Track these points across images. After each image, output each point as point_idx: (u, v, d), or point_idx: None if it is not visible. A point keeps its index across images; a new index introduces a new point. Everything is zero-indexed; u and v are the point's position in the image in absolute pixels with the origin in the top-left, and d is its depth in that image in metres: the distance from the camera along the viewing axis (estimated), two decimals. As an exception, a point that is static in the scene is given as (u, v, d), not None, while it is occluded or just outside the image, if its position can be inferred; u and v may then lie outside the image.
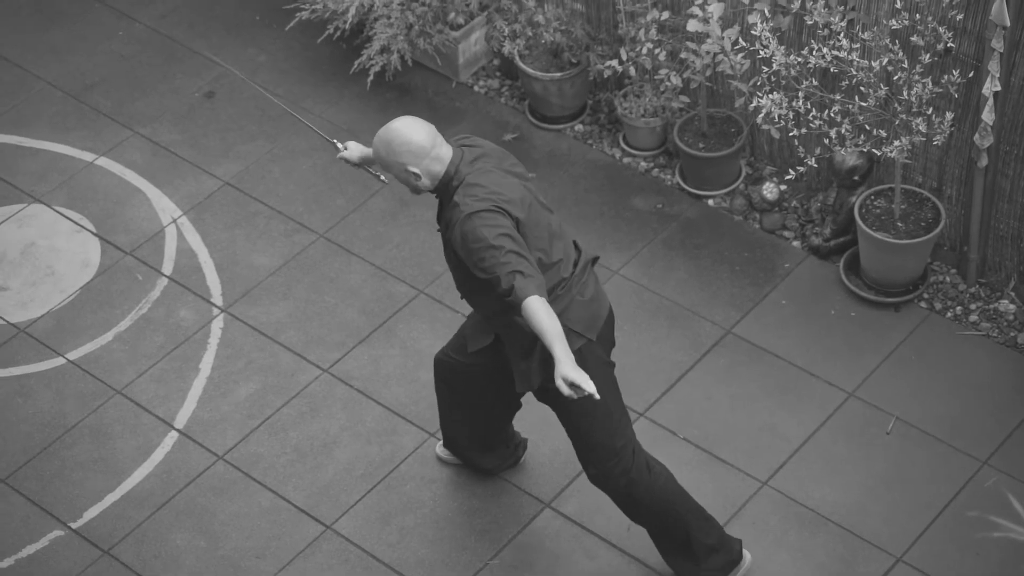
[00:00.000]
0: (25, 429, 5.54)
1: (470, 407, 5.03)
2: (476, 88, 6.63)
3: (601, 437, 4.71)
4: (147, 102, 6.60)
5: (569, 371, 4.22)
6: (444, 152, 4.44)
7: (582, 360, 4.58)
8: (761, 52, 5.45)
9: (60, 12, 6.95)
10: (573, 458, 5.40)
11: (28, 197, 6.27)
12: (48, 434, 5.52)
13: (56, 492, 5.36)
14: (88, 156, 6.42)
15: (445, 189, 4.46)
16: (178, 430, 5.53)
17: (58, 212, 6.22)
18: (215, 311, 5.89)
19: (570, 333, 4.55)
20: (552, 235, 4.52)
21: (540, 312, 4.28)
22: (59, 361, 5.74)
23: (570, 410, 4.69)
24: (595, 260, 4.69)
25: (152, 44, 6.82)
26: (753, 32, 5.51)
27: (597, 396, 4.25)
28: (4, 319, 5.86)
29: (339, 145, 4.88)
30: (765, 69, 5.59)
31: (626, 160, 6.34)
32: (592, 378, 4.59)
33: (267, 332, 5.81)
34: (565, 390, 4.23)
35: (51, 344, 5.79)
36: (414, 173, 4.44)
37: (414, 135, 4.40)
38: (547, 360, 4.59)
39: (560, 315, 4.51)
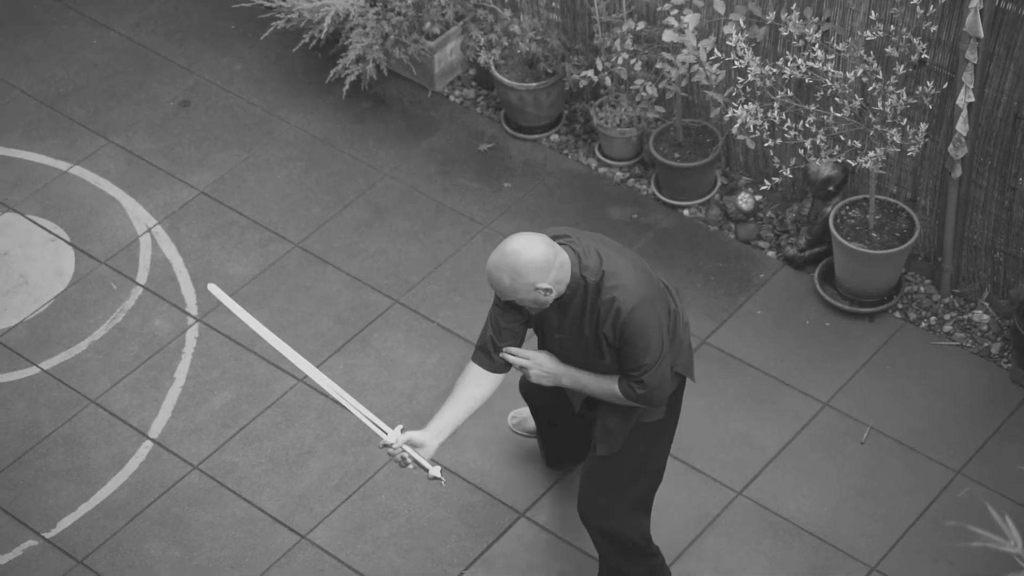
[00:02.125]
0: (-2, 439, 5.52)
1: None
2: (452, 98, 6.63)
3: (640, 494, 4.69)
4: (122, 111, 6.58)
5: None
6: (564, 259, 4.29)
7: (676, 403, 4.62)
8: (736, 63, 5.47)
9: (35, 21, 6.92)
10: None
11: (1, 206, 6.24)
12: (22, 443, 5.49)
13: (30, 501, 5.33)
14: (62, 165, 6.40)
15: (572, 292, 4.33)
16: (153, 440, 5.51)
17: (32, 221, 6.19)
18: (190, 320, 5.87)
19: (675, 376, 4.54)
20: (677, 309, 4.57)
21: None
22: (33, 370, 5.72)
23: (624, 460, 4.62)
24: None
25: (127, 53, 6.80)
26: (728, 43, 5.53)
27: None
28: (-23, 328, 5.84)
29: (386, 433, 4.44)
30: (740, 80, 5.61)
31: (602, 170, 6.35)
32: (666, 425, 4.63)
33: (242, 342, 5.80)
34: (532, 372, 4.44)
35: (25, 353, 5.76)
36: (544, 289, 4.27)
37: (535, 251, 4.22)
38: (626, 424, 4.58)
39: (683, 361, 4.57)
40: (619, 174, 6.33)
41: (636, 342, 4.34)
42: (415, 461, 4.42)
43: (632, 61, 5.95)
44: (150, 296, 5.94)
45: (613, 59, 5.98)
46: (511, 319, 4.47)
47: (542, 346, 4.60)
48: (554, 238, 4.39)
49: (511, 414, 5.39)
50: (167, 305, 5.91)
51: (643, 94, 5.98)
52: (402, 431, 4.43)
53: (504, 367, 4.52)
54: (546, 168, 6.36)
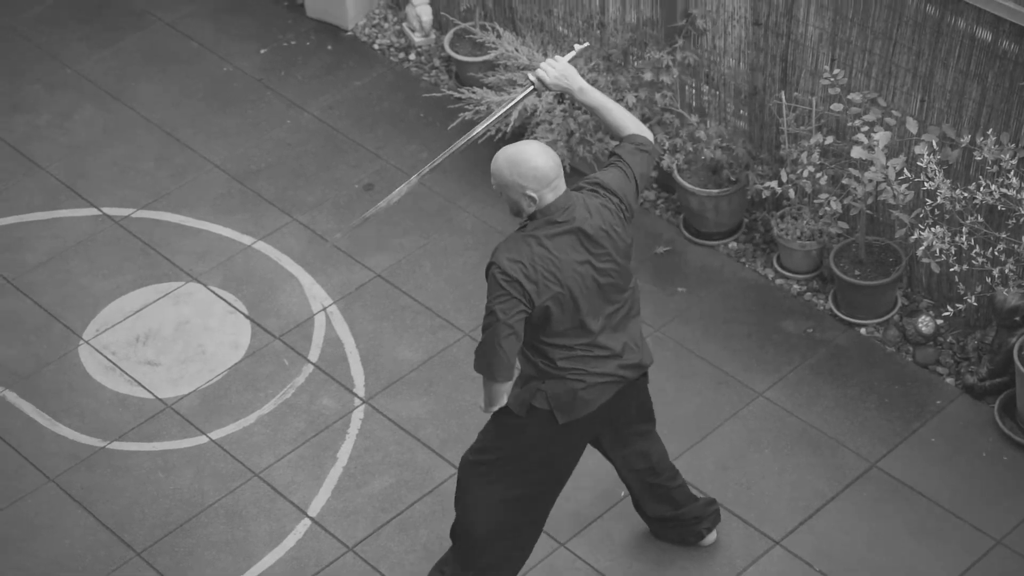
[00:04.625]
0: (164, 504, 5.61)
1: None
2: (632, 198, 6.63)
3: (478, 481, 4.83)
4: (309, 190, 6.72)
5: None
6: (561, 185, 4.50)
7: (535, 421, 4.68)
8: (926, 184, 5.37)
9: (233, 98, 7.13)
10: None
11: (186, 275, 6.40)
12: (185, 511, 5.58)
13: (188, 570, 5.41)
14: (247, 239, 6.55)
15: (534, 217, 4.52)
16: (311, 518, 5.55)
17: (213, 292, 6.34)
18: (357, 401, 5.92)
19: (542, 399, 4.65)
20: (590, 313, 4.58)
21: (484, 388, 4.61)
22: (202, 439, 5.82)
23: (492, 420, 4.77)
24: (640, 368, 4.76)
25: (318, 134, 6.96)
26: (919, 163, 5.43)
27: None
28: (154, 394, 5.97)
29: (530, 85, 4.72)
30: (929, 201, 5.50)
31: (779, 281, 6.27)
32: (533, 442, 4.73)
33: (406, 427, 5.83)
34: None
35: (196, 422, 5.87)
36: (531, 198, 4.47)
37: (542, 160, 4.44)
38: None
39: (547, 380, 4.64)
40: (796, 287, 6.24)
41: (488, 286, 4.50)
42: (570, 59, 4.71)
43: (818, 175, 5.88)
44: (320, 375, 6.01)
45: (798, 171, 5.92)
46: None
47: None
48: (578, 187, 4.58)
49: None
50: (336, 385, 5.97)
51: (827, 208, 5.90)
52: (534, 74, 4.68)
53: None
54: (722, 275, 6.30)
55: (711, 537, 5.32)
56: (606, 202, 4.60)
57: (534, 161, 4.44)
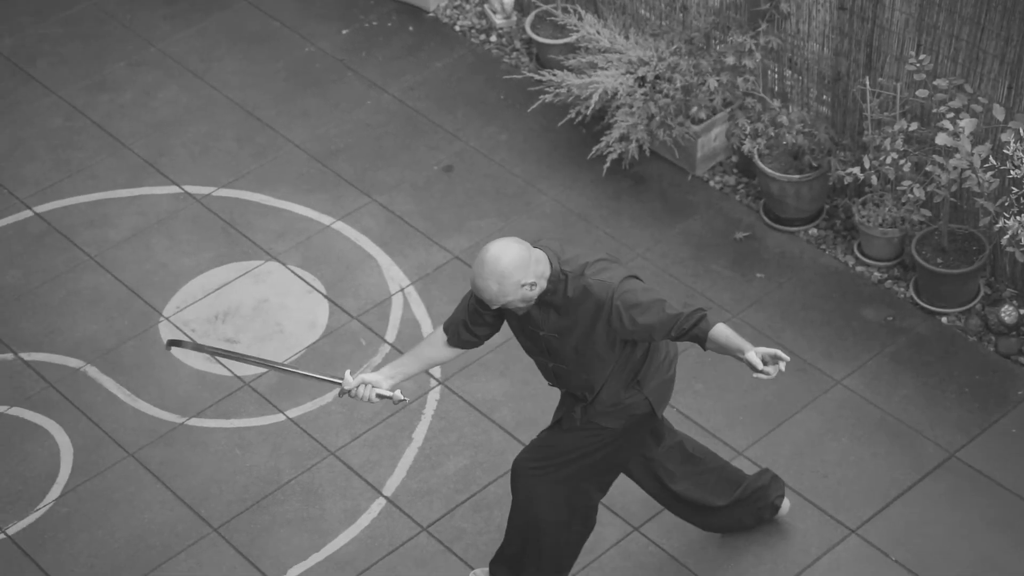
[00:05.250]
0: (241, 481, 5.66)
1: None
2: (711, 183, 6.59)
3: (567, 483, 4.84)
4: (387, 171, 6.75)
5: (764, 350, 4.45)
6: (539, 254, 4.58)
7: (635, 430, 4.76)
8: (1012, 172, 5.29)
9: (315, 79, 7.17)
10: (779, 568, 5.26)
11: (265, 254, 6.45)
12: (262, 488, 5.63)
13: (263, 546, 5.46)
14: (326, 219, 6.58)
15: (555, 285, 4.55)
16: (386, 497, 5.58)
17: (292, 271, 6.38)
18: (432, 382, 5.94)
19: (644, 404, 4.73)
20: None
21: (729, 331, 4.52)
22: (279, 417, 5.87)
23: (566, 441, 4.82)
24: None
25: (398, 115, 6.98)
26: (1005, 151, 5.35)
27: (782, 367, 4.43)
28: (232, 372, 6.02)
29: (340, 380, 4.76)
30: (1015, 189, 5.41)
31: (859, 269, 6.20)
32: (626, 442, 4.80)
33: (481, 408, 5.84)
34: (759, 364, 4.41)
35: (273, 400, 5.92)
36: (530, 283, 4.52)
37: (511, 252, 4.48)
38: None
39: (644, 384, 4.72)
40: (877, 274, 6.17)
41: (642, 305, 4.52)
42: (379, 395, 4.74)
43: (901, 161, 5.81)
44: (396, 355, 6.04)
45: (881, 158, 5.85)
46: (485, 308, 4.69)
47: (527, 347, 4.76)
48: (532, 243, 4.63)
49: (472, 572, 5.27)
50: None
51: (910, 196, 5.82)
52: (351, 374, 4.79)
53: (466, 345, 4.80)
54: (802, 262, 6.25)
55: (786, 504, 5.28)
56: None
57: (507, 258, 4.46)
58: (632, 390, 4.74)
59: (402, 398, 4.76)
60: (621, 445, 4.84)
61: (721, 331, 4.52)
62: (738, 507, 5.19)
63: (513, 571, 5.09)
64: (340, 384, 4.79)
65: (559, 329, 4.63)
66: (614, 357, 4.65)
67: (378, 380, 4.77)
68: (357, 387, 4.75)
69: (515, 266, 4.49)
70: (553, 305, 4.60)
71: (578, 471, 4.87)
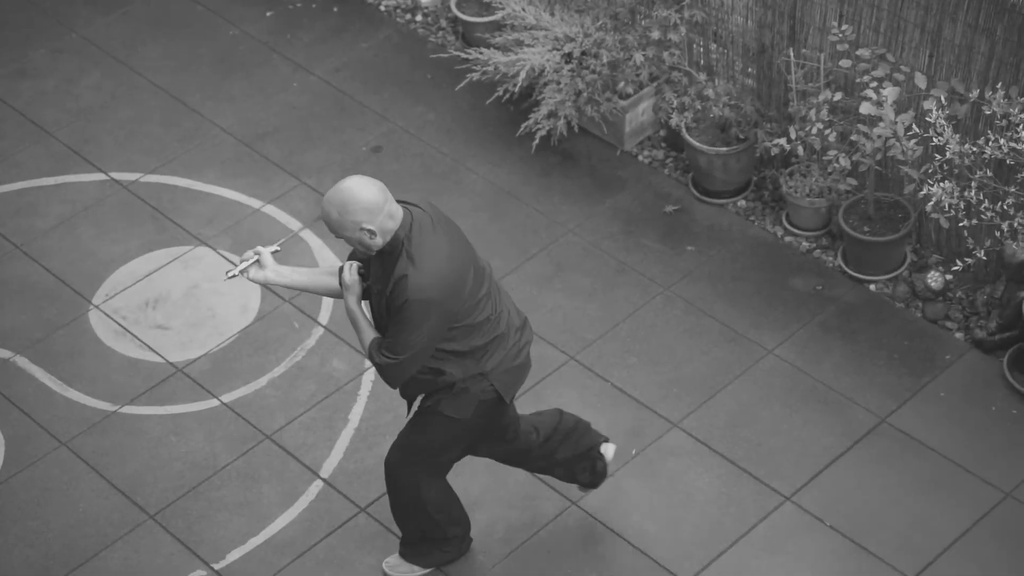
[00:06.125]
0: (177, 468, 5.63)
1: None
2: (640, 158, 6.62)
3: (424, 464, 4.92)
4: (316, 153, 6.72)
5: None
6: (396, 209, 4.52)
7: (485, 416, 4.79)
8: (935, 139, 5.36)
9: (240, 62, 7.12)
10: (716, 537, 5.31)
11: (195, 240, 6.41)
12: (198, 474, 5.60)
13: (202, 532, 5.43)
14: (255, 203, 6.55)
15: (392, 250, 4.53)
16: (323, 479, 5.58)
17: (223, 256, 6.35)
18: (367, 364, 5.93)
19: (489, 390, 4.74)
20: (483, 298, 4.67)
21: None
22: (213, 403, 5.84)
23: (421, 435, 4.86)
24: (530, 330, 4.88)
25: (325, 97, 6.95)
26: (928, 119, 5.42)
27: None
28: (164, 358, 5.98)
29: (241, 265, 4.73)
30: (938, 157, 5.49)
31: (788, 239, 6.26)
32: (481, 430, 4.84)
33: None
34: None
35: (207, 385, 5.89)
36: (369, 231, 4.47)
37: (367, 192, 4.45)
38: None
39: (489, 372, 4.72)
40: (805, 244, 6.23)
41: (403, 325, 4.52)
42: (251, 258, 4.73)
43: (827, 131, 5.86)
44: (331, 337, 6.02)
45: (807, 128, 5.91)
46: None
47: (370, 298, 4.73)
48: (405, 202, 4.58)
49: (385, 561, 5.31)
50: (346, 347, 5.98)
51: (836, 165, 5.88)
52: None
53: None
54: (731, 234, 6.30)
55: (611, 445, 5.29)
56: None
57: (359, 195, 4.43)
58: (476, 377, 4.74)
59: (277, 248, 4.76)
60: (477, 433, 4.90)
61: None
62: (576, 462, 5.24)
63: (425, 550, 5.18)
64: (256, 261, 4.73)
65: (378, 289, 4.60)
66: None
67: (268, 265, 4.71)
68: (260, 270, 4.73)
69: (362, 207, 4.43)
70: (383, 265, 4.57)
71: (448, 460, 4.97)
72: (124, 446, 5.68)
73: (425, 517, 5.09)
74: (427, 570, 5.26)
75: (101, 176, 6.67)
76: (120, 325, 6.09)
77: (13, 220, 6.49)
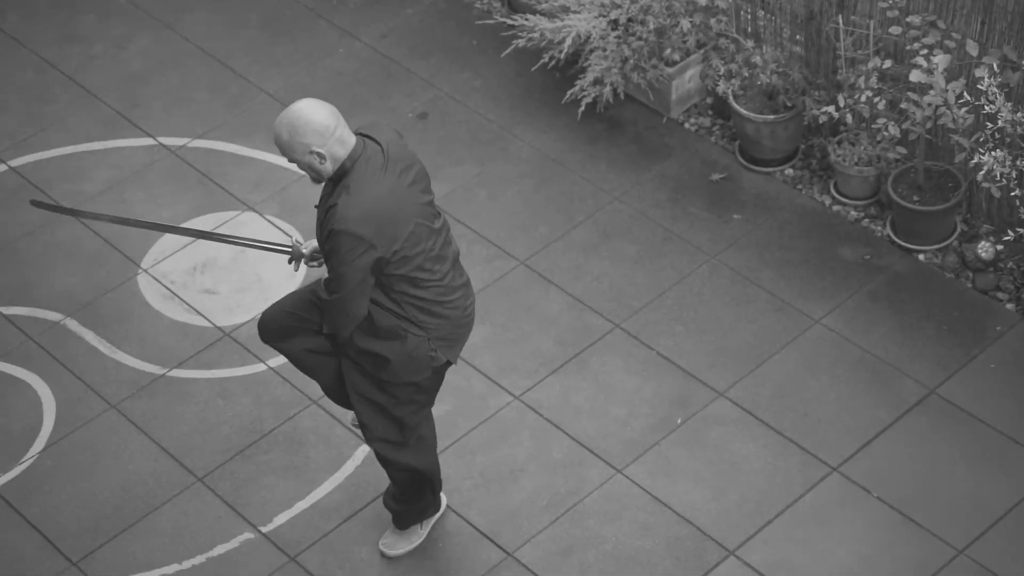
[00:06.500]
0: (224, 431, 5.67)
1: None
2: (687, 125, 6.59)
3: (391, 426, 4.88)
4: (362, 119, 6.72)
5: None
6: (347, 136, 4.46)
7: (431, 367, 4.77)
8: (986, 107, 5.31)
9: (286, 28, 7.13)
10: (762, 507, 5.31)
11: (242, 205, 6.43)
12: (245, 437, 5.64)
13: (249, 495, 5.47)
14: (302, 168, 6.55)
15: (337, 178, 4.50)
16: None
17: (269, 221, 6.37)
18: (413, 329, 5.95)
19: (434, 343, 4.72)
20: (434, 258, 4.64)
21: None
22: (260, 367, 5.87)
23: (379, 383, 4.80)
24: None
25: (371, 63, 6.95)
26: (979, 86, 5.37)
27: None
28: (211, 322, 6.02)
29: (289, 248, 4.89)
30: (989, 125, 5.44)
31: (836, 208, 6.23)
32: (424, 384, 4.81)
33: (462, 355, 5.85)
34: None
35: (254, 350, 5.92)
36: (318, 154, 4.43)
37: (317, 114, 4.40)
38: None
39: (434, 329, 4.71)
40: (853, 213, 6.20)
41: (331, 256, 4.49)
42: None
43: (876, 99, 5.82)
44: (377, 303, 6.04)
45: (856, 96, 5.87)
46: None
47: None
48: (362, 128, 4.53)
49: (381, 541, 5.32)
50: (392, 313, 6.00)
51: (885, 134, 5.84)
52: (301, 242, 4.93)
53: None
54: (778, 202, 6.27)
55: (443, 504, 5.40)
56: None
57: (310, 117, 4.38)
58: (416, 335, 4.72)
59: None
60: (431, 388, 4.90)
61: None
62: None
63: (423, 502, 5.19)
64: (290, 252, 4.87)
65: (320, 218, 4.58)
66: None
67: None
68: (311, 256, 4.83)
69: (311, 128, 4.39)
70: (330, 194, 4.55)
71: (412, 412, 4.93)
72: (172, 409, 5.72)
73: (428, 484, 5.10)
74: (423, 536, 5.26)
75: (149, 141, 6.70)
76: (168, 289, 6.13)
77: (63, 184, 6.53)
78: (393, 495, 5.17)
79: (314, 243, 4.87)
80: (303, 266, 4.77)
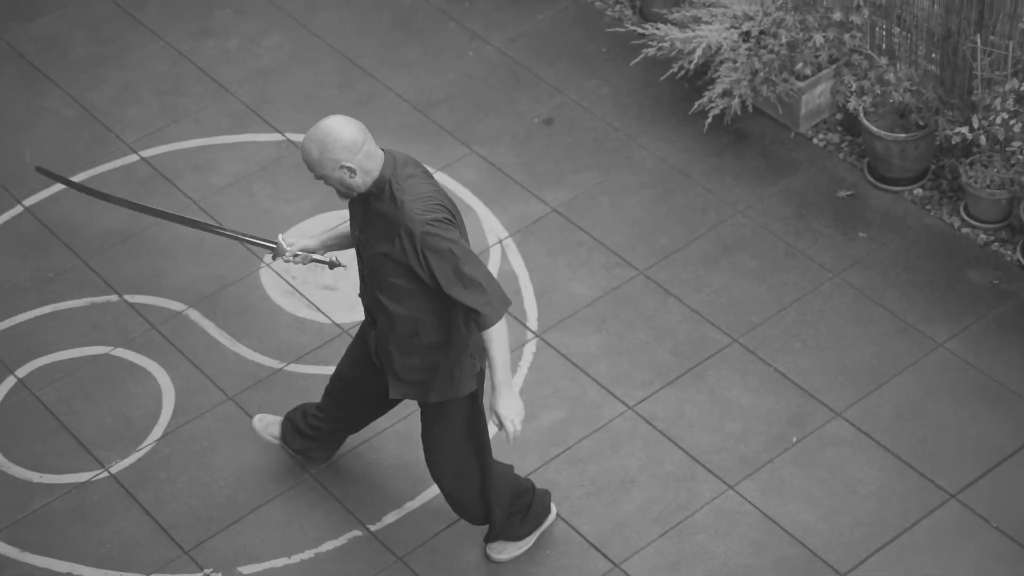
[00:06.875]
0: (338, 427, 5.71)
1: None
2: (815, 141, 6.51)
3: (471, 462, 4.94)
4: (488, 123, 6.74)
5: (510, 405, 4.63)
6: (375, 150, 4.51)
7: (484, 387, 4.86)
8: None
9: (417, 29, 7.17)
10: (876, 531, 5.22)
11: (365, 203, 6.48)
12: (359, 436, 5.68)
13: (360, 493, 5.51)
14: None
15: (379, 191, 4.51)
16: (481, 448, 5.60)
17: (392, 221, 6.40)
18: (529, 335, 5.95)
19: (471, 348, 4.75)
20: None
21: (504, 339, 4.57)
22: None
23: (455, 429, 4.87)
24: None
25: (500, 67, 6.96)
26: (1121, 112, 5.23)
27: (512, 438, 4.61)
28: (330, 318, 6.07)
29: (273, 244, 5.02)
30: None
31: (965, 230, 6.11)
32: (479, 393, 4.85)
33: (577, 362, 5.83)
34: (496, 420, 4.63)
35: (371, 348, 5.96)
36: (349, 168, 4.46)
37: (345, 130, 4.44)
38: (452, 378, 4.76)
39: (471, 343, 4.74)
40: (983, 236, 6.07)
41: (440, 259, 4.48)
42: (314, 259, 4.96)
43: (1012, 121, 5.70)
44: (494, 307, 6.04)
45: (991, 117, 5.74)
46: None
47: (355, 246, 4.71)
48: (389, 151, 4.56)
49: (257, 417, 5.40)
50: (509, 318, 6.00)
51: (1020, 156, 5.71)
52: (283, 238, 5.03)
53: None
54: (906, 222, 6.16)
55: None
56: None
57: (339, 133, 4.43)
58: (460, 353, 4.74)
59: (339, 263, 4.88)
60: (478, 403, 4.90)
61: (499, 337, 4.55)
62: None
63: (516, 523, 5.18)
64: (274, 248, 5.00)
65: (371, 236, 4.58)
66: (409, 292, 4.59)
67: (313, 246, 5.01)
68: (291, 251, 4.98)
69: (342, 144, 4.43)
70: (367, 207, 4.56)
71: (472, 441, 4.96)
72: (288, 403, 5.78)
73: (502, 498, 5.09)
74: (531, 542, 5.26)
75: (277, 136, 6.78)
76: (290, 284, 6.19)
77: (192, 176, 6.64)
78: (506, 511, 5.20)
79: (304, 243, 5.01)
80: (286, 263, 4.95)
